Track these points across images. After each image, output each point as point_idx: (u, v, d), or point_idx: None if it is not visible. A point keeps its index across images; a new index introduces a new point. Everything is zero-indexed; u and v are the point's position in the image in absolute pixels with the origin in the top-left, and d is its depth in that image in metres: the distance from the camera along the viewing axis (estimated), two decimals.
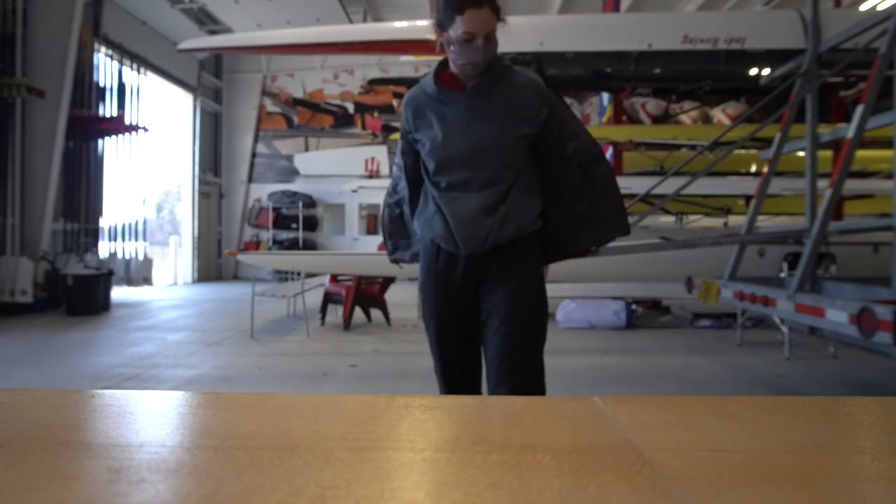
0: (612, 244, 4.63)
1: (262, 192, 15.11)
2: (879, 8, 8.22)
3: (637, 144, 8.19)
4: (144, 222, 11.42)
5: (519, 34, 5.14)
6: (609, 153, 8.18)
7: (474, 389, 1.92)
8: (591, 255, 2.04)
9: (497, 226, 1.78)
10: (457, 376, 1.91)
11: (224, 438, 0.84)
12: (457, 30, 1.71)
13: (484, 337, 1.86)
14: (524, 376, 1.80)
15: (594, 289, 7.02)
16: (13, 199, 8.33)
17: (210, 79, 14.73)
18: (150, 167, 11.72)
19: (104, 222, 10.30)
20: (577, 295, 7.01)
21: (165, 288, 12.33)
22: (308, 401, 1.09)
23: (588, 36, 5.64)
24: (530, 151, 1.86)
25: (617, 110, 8.29)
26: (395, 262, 2.15)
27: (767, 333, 6.22)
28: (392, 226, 2.12)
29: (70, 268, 8.43)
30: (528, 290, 1.84)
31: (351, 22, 11.64)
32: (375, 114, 14.92)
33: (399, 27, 6.28)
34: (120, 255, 10.46)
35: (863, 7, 9.22)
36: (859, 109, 3.74)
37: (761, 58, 5.44)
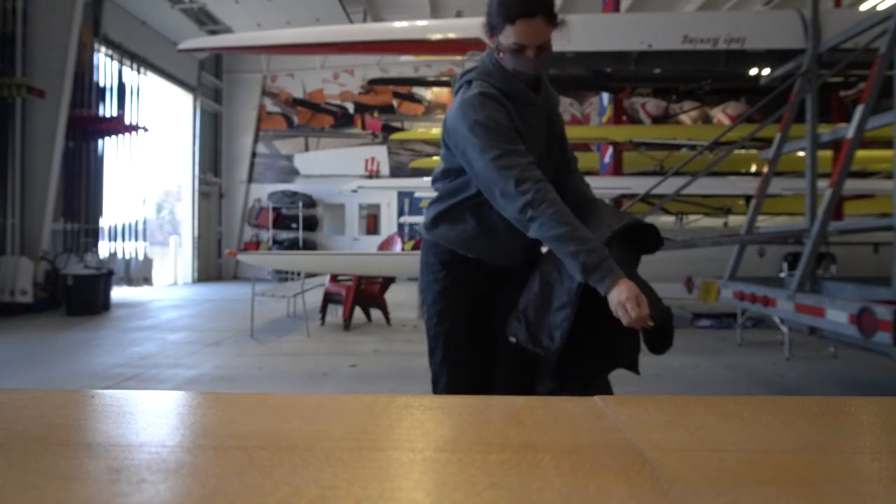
0: None
1: (262, 192, 15.11)
2: (879, 8, 8.22)
3: (637, 144, 8.19)
4: (144, 222, 11.41)
5: None
6: (609, 153, 8.18)
7: (485, 381, 1.87)
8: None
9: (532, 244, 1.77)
10: (468, 375, 1.87)
11: (224, 438, 0.84)
12: (507, 38, 1.62)
13: (502, 335, 1.83)
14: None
15: None
16: (13, 199, 8.33)
17: (210, 79, 14.73)
18: (150, 167, 11.71)
19: (104, 222, 10.30)
20: None
21: (165, 288, 12.33)
22: (308, 401, 1.09)
23: (588, 36, 5.64)
24: None
25: (617, 110, 8.29)
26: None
27: (767, 333, 6.22)
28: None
29: (70, 268, 8.43)
30: None
31: (351, 22, 11.64)
32: (375, 114, 14.93)
33: (399, 27, 6.28)
34: (120, 255, 10.45)
35: (863, 7, 9.22)
36: (859, 109, 3.74)
37: (761, 58, 5.44)
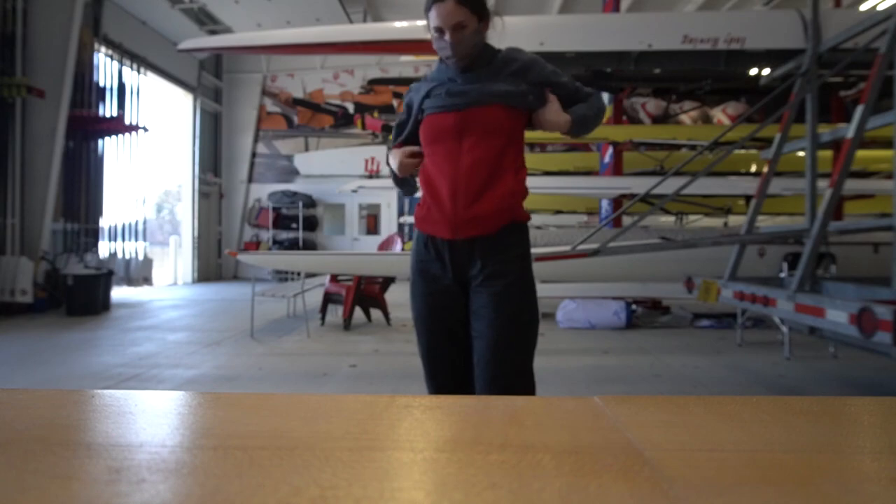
0: (612, 244, 4.61)
1: (262, 192, 15.11)
2: (879, 8, 8.22)
3: (637, 144, 8.18)
4: (144, 222, 11.42)
5: (519, 34, 5.13)
6: (609, 153, 8.18)
7: (466, 392, 1.86)
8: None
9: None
10: (447, 381, 1.86)
11: (224, 438, 0.84)
12: (429, 25, 1.78)
13: (472, 340, 1.82)
14: (510, 380, 1.75)
15: (594, 289, 7.03)
16: (13, 199, 8.33)
17: (210, 79, 14.73)
18: (150, 167, 11.72)
19: (104, 222, 10.30)
20: (577, 295, 7.01)
21: (165, 288, 12.33)
22: (308, 401, 1.09)
23: (588, 36, 5.64)
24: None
25: (617, 110, 8.29)
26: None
27: (767, 333, 6.22)
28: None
29: (70, 268, 8.43)
30: (515, 292, 1.78)
31: (351, 22, 11.64)
32: (375, 114, 14.92)
33: (399, 27, 6.27)
34: (120, 255, 10.46)
35: (863, 7, 9.22)
36: (859, 109, 3.74)
37: (761, 58, 5.44)
